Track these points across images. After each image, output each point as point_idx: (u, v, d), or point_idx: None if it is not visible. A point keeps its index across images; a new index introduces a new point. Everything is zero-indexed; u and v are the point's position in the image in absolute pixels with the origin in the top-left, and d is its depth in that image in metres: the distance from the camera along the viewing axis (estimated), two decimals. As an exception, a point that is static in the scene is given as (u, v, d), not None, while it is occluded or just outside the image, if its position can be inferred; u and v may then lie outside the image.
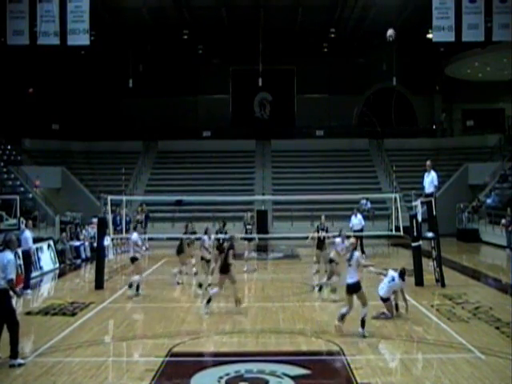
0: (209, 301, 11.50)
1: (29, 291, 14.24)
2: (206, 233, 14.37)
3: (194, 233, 15.58)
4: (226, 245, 12.91)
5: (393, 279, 11.07)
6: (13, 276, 8.45)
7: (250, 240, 18.29)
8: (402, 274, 11.16)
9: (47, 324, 10.88)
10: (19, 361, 8.26)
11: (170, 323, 10.87)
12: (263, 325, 10.70)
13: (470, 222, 27.68)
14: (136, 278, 13.62)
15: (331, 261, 13.27)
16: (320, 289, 13.40)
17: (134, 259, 13.81)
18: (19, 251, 14.43)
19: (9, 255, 8.52)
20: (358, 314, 11.43)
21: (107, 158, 33.89)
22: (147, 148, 35.59)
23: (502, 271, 17.81)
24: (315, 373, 7.98)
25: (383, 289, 11.06)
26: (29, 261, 14.91)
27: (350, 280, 9.87)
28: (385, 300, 11.05)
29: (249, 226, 18.71)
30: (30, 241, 15.01)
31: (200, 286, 13.87)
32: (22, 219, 22.00)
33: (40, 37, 20.46)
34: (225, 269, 11.56)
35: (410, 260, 15.04)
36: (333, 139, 35.24)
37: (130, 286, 13.64)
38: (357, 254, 10.25)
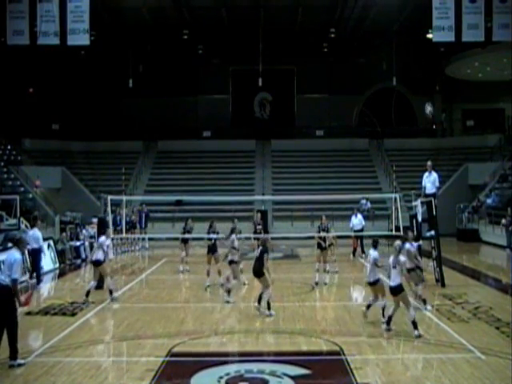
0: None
1: (41, 285, 15.22)
2: (232, 232, 13.60)
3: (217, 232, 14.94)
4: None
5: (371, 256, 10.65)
6: (17, 276, 8.43)
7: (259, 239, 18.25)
8: (375, 244, 10.83)
9: (47, 324, 10.87)
10: (19, 361, 8.25)
11: (170, 323, 10.86)
12: (263, 325, 10.70)
13: (470, 222, 27.67)
14: (110, 281, 12.99)
15: (411, 270, 11.69)
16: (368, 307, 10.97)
17: (97, 262, 12.92)
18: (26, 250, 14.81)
19: (16, 254, 8.49)
20: (358, 315, 11.48)
21: (107, 158, 33.88)
22: (147, 148, 35.60)
23: (502, 271, 17.80)
24: (315, 373, 7.98)
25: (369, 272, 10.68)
26: (39, 257, 15.63)
27: (393, 283, 9.89)
28: (374, 283, 10.60)
29: (259, 226, 18.70)
30: (41, 240, 15.76)
31: (228, 292, 12.73)
32: (22, 219, 22.02)
33: (40, 37, 20.45)
34: (258, 273, 11.33)
35: (410, 260, 15.04)
36: (333, 139, 35.26)
37: (111, 292, 12.85)
38: (403, 258, 10.32)
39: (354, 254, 20.22)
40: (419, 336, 9.47)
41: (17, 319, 8.41)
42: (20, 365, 8.19)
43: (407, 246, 11.61)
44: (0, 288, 8.21)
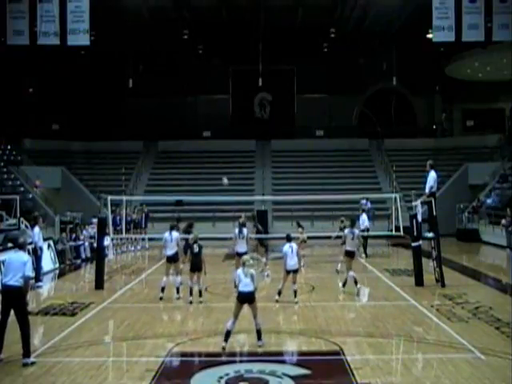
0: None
1: (41, 283, 15.21)
2: (243, 225, 14.36)
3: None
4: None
5: None
6: (31, 274, 9.18)
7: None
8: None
9: (47, 324, 10.88)
10: (32, 359, 8.33)
11: (170, 323, 10.87)
12: (263, 325, 10.66)
13: (470, 222, 27.66)
14: (178, 279, 13.24)
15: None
16: None
17: (173, 258, 13.32)
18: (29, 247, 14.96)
19: (26, 255, 8.90)
20: (358, 315, 11.48)
21: (107, 158, 33.89)
22: (147, 148, 35.58)
23: (502, 271, 17.80)
24: (315, 373, 7.97)
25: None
26: (40, 256, 15.72)
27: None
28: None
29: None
30: (41, 239, 15.97)
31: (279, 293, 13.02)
32: (22, 219, 22.01)
33: (40, 37, 20.46)
34: (199, 268, 12.29)
35: (410, 260, 15.04)
36: (333, 139, 35.25)
37: (178, 290, 13.13)
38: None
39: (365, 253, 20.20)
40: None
41: (28, 318, 8.58)
42: (33, 363, 8.27)
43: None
44: (13, 290, 8.40)
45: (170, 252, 13.18)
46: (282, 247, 12.59)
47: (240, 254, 13.67)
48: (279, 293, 12.42)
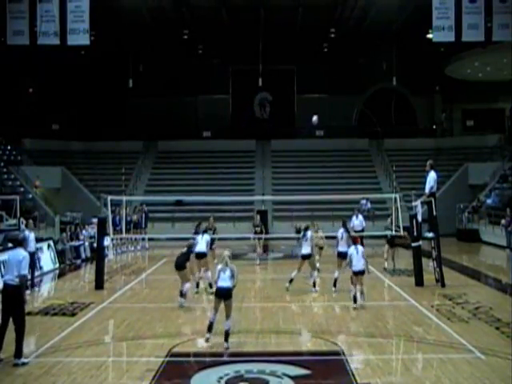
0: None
1: (36, 289, 14.91)
2: (307, 229, 14.14)
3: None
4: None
5: None
6: (26, 272, 8.87)
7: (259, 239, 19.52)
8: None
9: (47, 324, 10.87)
10: (23, 360, 8.29)
11: (170, 323, 10.86)
12: (263, 325, 10.69)
13: (470, 222, 27.66)
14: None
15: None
16: None
17: (203, 255, 13.72)
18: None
19: (24, 252, 8.84)
20: (358, 315, 11.47)
21: (107, 158, 33.89)
22: (147, 148, 35.59)
23: (502, 271, 17.81)
24: (315, 373, 7.98)
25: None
26: (32, 261, 14.94)
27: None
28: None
29: (257, 228, 19.23)
30: (33, 242, 15.02)
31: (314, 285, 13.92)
32: (21, 219, 22.02)
33: (40, 37, 20.47)
34: (180, 267, 12.36)
35: (410, 260, 15.04)
36: (333, 139, 35.22)
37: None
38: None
39: None
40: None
41: (25, 318, 8.56)
42: (24, 364, 8.23)
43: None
44: (10, 288, 8.42)
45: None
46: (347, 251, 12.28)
47: (304, 257, 13.81)
48: (355, 299, 11.75)
